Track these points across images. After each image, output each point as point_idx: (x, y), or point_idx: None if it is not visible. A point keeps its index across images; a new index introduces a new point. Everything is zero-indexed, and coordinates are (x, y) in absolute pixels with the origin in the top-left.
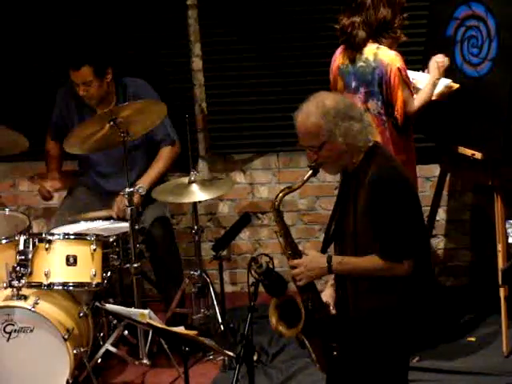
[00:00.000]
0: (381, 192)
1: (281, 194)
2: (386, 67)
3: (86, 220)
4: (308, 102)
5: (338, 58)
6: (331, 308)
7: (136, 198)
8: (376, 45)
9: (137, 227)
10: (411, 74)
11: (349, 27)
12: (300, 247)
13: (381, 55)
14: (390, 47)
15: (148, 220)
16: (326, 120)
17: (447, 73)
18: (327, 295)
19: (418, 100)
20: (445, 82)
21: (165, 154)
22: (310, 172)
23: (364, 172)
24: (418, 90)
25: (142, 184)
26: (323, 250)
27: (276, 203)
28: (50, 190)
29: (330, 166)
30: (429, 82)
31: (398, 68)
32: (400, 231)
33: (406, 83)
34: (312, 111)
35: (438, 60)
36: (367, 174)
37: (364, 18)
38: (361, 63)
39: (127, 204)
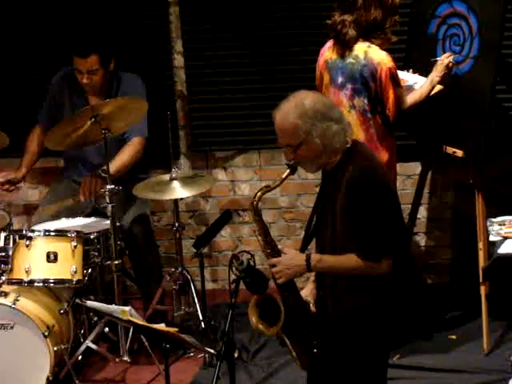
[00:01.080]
0: (358, 192)
1: (259, 193)
2: (376, 66)
3: (53, 214)
4: (287, 101)
5: (327, 53)
6: (311, 305)
7: (98, 183)
8: (367, 43)
9: (118, 224)
10: (399, 74)
11: (339, 25)
12: (280, 245)
13: (371, 53)
14: (381, 47)
15: (128, 219)
16: (303, 120)
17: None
18: (308, 292)
19: (411, 97)
20: (415, 80)
21: (133, 144)
22: (288, 171)
23: (342, 172)
24: (408, 87)
25: (105, 168)
26: (303, 248)
27: (254, 202)
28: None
29: (307, 165)
30: (427, 79)
31: (389, 68)
32: (377, 231)
33: (398, 82)
34: (290, 111)
35: (439, 58)
36: (345, 173)
37: (355, 17)
38: (350, 59)
39: (108, 201)
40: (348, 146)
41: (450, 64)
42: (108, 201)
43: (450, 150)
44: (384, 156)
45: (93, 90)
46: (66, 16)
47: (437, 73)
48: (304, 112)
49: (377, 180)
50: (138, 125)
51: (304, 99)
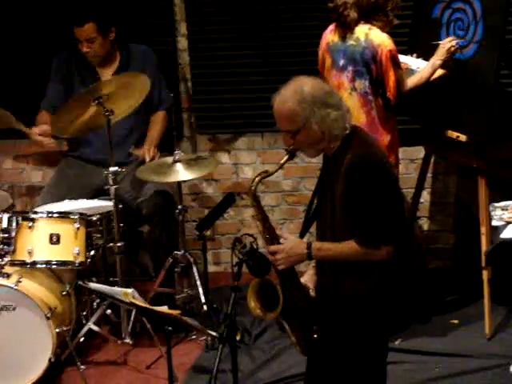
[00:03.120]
0: (357, 178)
1: (257, 178)
2: (376, 48)
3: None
4: (286, 87)
5: (329, 36)
6: (311, 291)
7: (156, 156)
8: (368, 25)
9: (139, 200)
10: (401, 58)
11: (341, 7)
12: (278, 231)
13: (372, 36)
14: (382, 30)
15: (149, 192)
16: (302, 107)
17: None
18: (308, 278)
19: (411, 80)
20: (418, 64)
21: (161, 119)
22: (287, 156)
23: (342, 157)
24: (411, 72)
25: (153, 144)
26: (303, 231)
27: (252, 187)
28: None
29: (306, 150)
30: (428, 63)
31: (390, 50)
32: (376, 217)
33: (398, 64)
34: (289, 97)
35: (441, 42)
36: (344, 159)
37: None
38: (351, 42)
39: (111, 183)
40: (347, 132)
41: (453, 48)
42: (111, 183)
43: (453, 134)
44: (386, 138)
45: (97, 60)
46: None
47: (438, 56)
48: (303, 98)
49: (376, 166)
50: (160, 96)
51: (303, 85)
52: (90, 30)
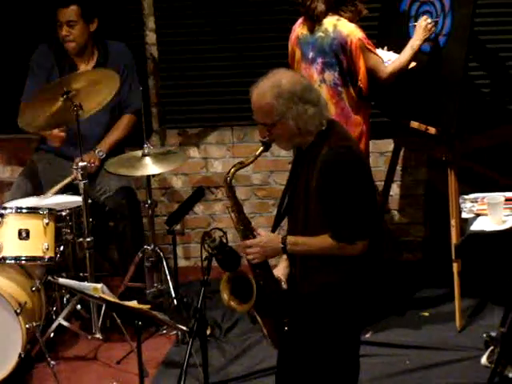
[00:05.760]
0: (331, 173)
1: (233, 170)
2: (345, 38)
3: (53, 194)
4: (265, 79)
5: (298, 29)
6: (283, 283)
7: (96, 161)
8: (336, 16)
9: (106, 195)
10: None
11: (308, 0)
12: (253, 223)
13: (340, 26)
14: (351, 20)
15: (113, 188)
16: (279, 101)
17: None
18: (280, 270)
19: (392, 65)
20: (389, 57)
21: (126, 122)
22: (262, 147)
23: (317, 151)
24: None
25: (102, 148)
26: (275, 226)
27: (228, 178)
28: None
29: (281, 143)
30: (407, 45)
31: (359, 38)
32: (352, 213)
33: (371, 51)
34: (267, 90)
35: (417, 23)
36: (319, 154)
37: None
38: (320, 33)
39: (80, 178)
40: (323, 128)
41: (429, 26)
42: (80, 178)
43: (422, 127)
44: (355, 130)
45: (73, 47)
46: None
47: (416, 37)
48: (280, 93)
49: (352, 161)
50: (131, 99)
51: (282, 79)
52: (73, 12)
